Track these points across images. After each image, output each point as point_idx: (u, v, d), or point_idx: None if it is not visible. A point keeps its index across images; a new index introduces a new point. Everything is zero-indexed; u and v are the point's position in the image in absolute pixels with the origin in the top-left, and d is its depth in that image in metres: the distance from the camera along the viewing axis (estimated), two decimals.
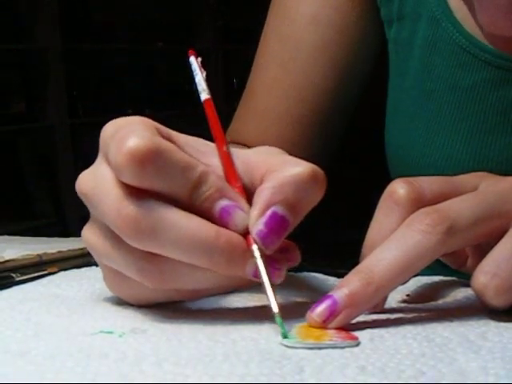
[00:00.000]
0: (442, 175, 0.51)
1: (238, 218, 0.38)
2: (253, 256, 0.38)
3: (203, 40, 3.69)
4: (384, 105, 0.68)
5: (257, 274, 0.38)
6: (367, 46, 0.67)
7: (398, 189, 0.41)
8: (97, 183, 0.39)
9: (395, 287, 0.39)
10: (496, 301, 0.39)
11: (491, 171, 0.46)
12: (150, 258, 0.38)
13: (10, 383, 0.32)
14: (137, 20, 3.53)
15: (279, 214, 0.38)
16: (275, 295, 0.38)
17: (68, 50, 3.08)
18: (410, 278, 0.40)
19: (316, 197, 0.40)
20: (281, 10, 0.68)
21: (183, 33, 3.65)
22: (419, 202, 0.41)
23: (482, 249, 0.41)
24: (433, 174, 0.44)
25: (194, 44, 3.57)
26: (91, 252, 0.42)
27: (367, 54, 0.67)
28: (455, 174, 0.45)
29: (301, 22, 0.67)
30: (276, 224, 0.38)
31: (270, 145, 0.68)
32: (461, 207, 0.40)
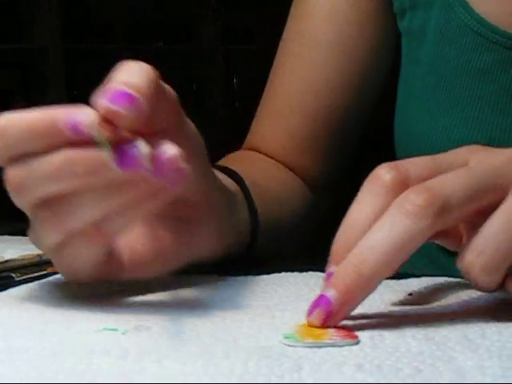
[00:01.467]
0: None
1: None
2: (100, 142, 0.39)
3: (203, 40, 3.69)
4: (389, 106, 0.68)
5: (123, 161, 0.38)
6: (383, 42, 0.67)
7: (384, 174, 0.40)
8: None
9: (389, 274, 0.38)
10: (483, 279, 0.38)
11: None
12: (42, 205, 0.40)
13: (12, 382, 0.32)
14: (137, 20, 3.53)
15: (127, 92, 0.39)
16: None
17: (68, 50, 3.09)
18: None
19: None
20: (300, 7, 0.69)
21: (183, 33, 3.65)
22: (405, 186, 0.39)
23: (476, 226, 0.40)
24: None
25: (194, 44, 3.57)
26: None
27: (383, 51, 0.68)
28: None
29: (318, 18, 0.68)
30: (121, 98, 0.39)
31: (281, 141, 0.68)
32: (453, 183, 0.39)
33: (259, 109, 0.72)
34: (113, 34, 3.41)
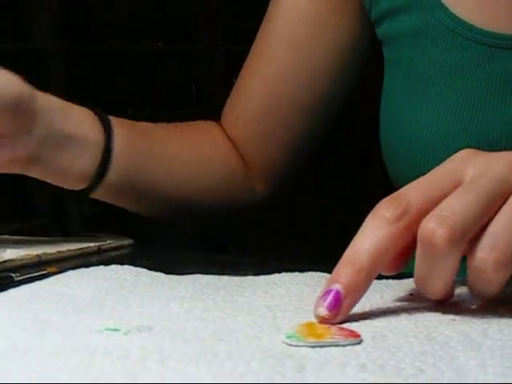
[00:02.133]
0: (432, 151, 0.51)
1: None
2: None
3: (203, 40, 3.69)
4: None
5: None
6: (345, 43, 0.69)
7: (385, 211, 0.41)
8: None
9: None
10: (496, 274, 0.39)
11: (479, 143, 0.45)
12: None
13: (14, 382, 0.32)
14: (137, 20, 3.53)
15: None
16: None
17: (68, 51, 3.09)
18: None
19: None
20: (271, 1, 0.72)
21: (183, 33, 3.65)
22: (407, 217, 0.40)
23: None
24: (424, 150, 0.43)
25: (194, 44, 3.57)
26: None
27: (344, 52, 0.70)
28: (444, 149, 0.44)
29: (278, 14, 0.71)
30: None
31: (232, 119, 0.74)
32: (462, 205, 0.39)
33: (232, 91, 0.76)
34: (113, 34, 3.41)
